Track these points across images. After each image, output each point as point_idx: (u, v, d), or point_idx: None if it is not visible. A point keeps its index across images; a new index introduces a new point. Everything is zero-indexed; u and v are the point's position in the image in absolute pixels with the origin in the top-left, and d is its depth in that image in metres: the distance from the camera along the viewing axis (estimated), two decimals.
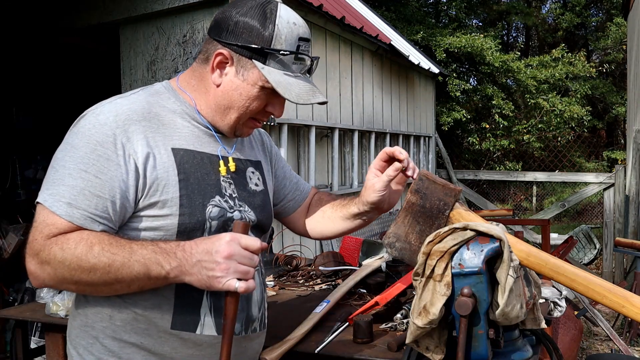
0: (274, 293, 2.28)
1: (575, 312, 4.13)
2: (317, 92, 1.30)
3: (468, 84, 11.21)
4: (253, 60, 1.24)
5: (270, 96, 1.28)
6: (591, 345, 4.67)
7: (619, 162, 10.55)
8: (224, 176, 1.32)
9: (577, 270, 1.26)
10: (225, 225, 1.28)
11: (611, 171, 8.09)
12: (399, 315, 1.83)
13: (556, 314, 2.16)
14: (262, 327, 1.44)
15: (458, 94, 10.29)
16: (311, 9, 4.30)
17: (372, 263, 2.30)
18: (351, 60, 5.32)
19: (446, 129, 10.10)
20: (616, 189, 7.17)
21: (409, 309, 1.30)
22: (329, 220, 1.59)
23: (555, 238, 6.98)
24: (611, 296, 1.22)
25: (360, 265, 2.48)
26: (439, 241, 1.19)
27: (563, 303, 2.16)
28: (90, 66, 5.69)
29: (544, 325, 1.32)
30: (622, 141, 12.94)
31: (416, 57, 7.23)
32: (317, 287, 2.35)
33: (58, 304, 2.10)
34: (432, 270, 1.18)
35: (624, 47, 11.53)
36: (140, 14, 3.86)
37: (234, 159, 1.36)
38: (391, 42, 6.09)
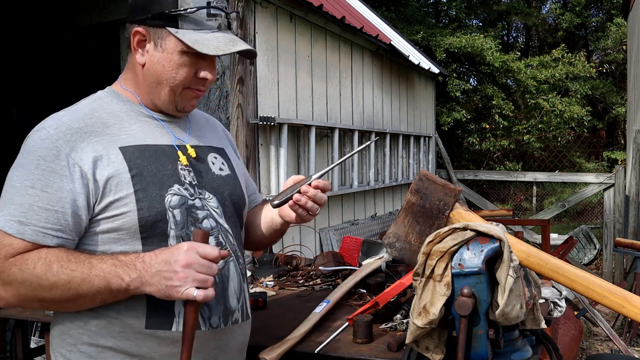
0: (274, 293, 2.28)
1: (575, 313, 4.13)
2: (237, 41, 1.28)
3: (468, 84, 11.20)
4: (166, 28, 1.23)
5: (195, 61, 1.26)
6: (591, 346, 4.67)
7: (619, 163, 10.54)
8: (184, 165, 1.31)
9: (577, 270, 1.26)
10: (190, 213, 1.28)
11: (611, 171, 8.09)
12: (399, 316, 1.83)
13: (556, 314, 2.16)
14: (245, 318, 1.40)
15: (458, 94, 10.29)
16: (311, 9, 4.30)
17: (372, 263, 2.30)
18: (351, 60, 5.32)
19: (446, 129, 10.10)
20: (616, 189, 7.17)
21: (409, 309, 1.30)
22: (255, 215, 1.57)
23: (555, 238, 6.98)
24: (611, 296, 1.22)
25: (360, 265, 2.48)
26: (439, 241, 1.19)
27: (563, 303, 2.17)
28: (91, 66, 5.70)
29: (543, 325, 1.32)
30: (622, 141, 12.94)
31: (416, 57, 7.23)
32: (317, 287, 2.35)
33: None
34: (432, 271, 1.18)
35: (624, 47, 11.52)
36: None
37: (193, 146, 1.36)
38: (391, 42, 6.09)
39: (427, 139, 7.59)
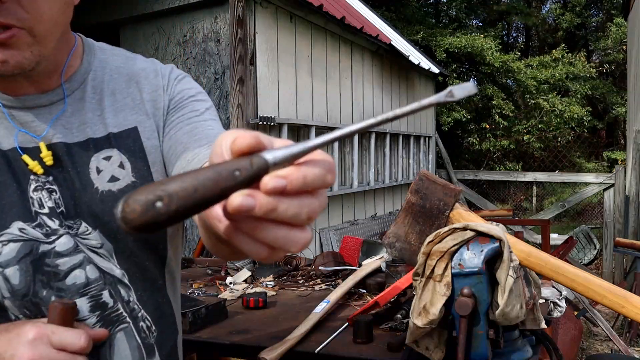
0: (274, 293, 2.28)
1: (575, 313, 4.13)
2: None
3: None
4: None
5: None
6: (591, 346, 4.67)
7: (619, 163, 10.55)
8: (41, 181, 0.81)
9: (577, 270, 1.26)
10: (41, 267, 0.80)
11: (611, 171, 8.09)
12: (399, 315, 1.83)
13: (556, 314, 2.16)
14: None
15: None
16: (311, 9, 4.30)
17: (372, 263, 2.30)
18: (351, 60, 5.32)
19: (446, 129, 10.12)
20: (616, 190, 7.17)
21: (409, 309, 1.30)
22: None
23: (555, 238, 6.98)
24: (611, 296, 1.22)
25: (360, 265, 2.49)
26: (439, 241, 1.19)
27: (563, 303, 2.16)
28: None
29: (543, 325, 1.32)
30: (622, 141, 12.95)
31: (416, 57, 7.23)
32: (317, 287, 2.35)
33: None
34: (432, 271, 1.18)
35: (624, 47, 11.53)
36: (141, 13, 3.87)
37: (54, 145, 0.82)
38: (391, 42, 6.09)
39: (427, 139, 7.59)
